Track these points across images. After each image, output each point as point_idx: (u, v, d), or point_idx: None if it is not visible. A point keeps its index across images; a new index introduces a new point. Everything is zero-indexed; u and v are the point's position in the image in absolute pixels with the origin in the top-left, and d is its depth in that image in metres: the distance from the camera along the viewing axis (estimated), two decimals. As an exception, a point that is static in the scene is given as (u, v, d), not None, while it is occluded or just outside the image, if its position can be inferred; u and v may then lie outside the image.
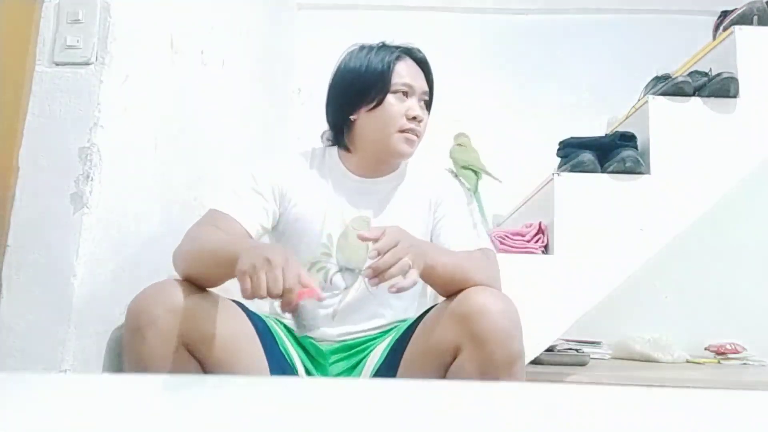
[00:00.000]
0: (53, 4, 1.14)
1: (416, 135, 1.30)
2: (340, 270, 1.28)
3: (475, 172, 1.40)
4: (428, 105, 1.36)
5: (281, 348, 1.22)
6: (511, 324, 1.03)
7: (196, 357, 1.08)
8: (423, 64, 1.35)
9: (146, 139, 1.28)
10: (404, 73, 1.30)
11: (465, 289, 1.08)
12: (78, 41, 1.12)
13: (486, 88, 2.68)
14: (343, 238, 1.28)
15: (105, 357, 1.16)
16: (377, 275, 1.00)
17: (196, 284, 1.10)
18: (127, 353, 1.07)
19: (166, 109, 1.37)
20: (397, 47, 1.33)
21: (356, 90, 1.30)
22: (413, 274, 1.01)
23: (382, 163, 1.34)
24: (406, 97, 1.29)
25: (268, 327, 1.23)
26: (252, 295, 0.94)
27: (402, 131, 1.28)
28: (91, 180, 1.09)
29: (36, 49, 1.13)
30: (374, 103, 1.28)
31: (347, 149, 1.34)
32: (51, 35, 1.13)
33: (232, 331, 1.13)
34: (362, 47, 1.33)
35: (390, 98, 1.28)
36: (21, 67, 1.13)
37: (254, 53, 2.06)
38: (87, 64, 1.12)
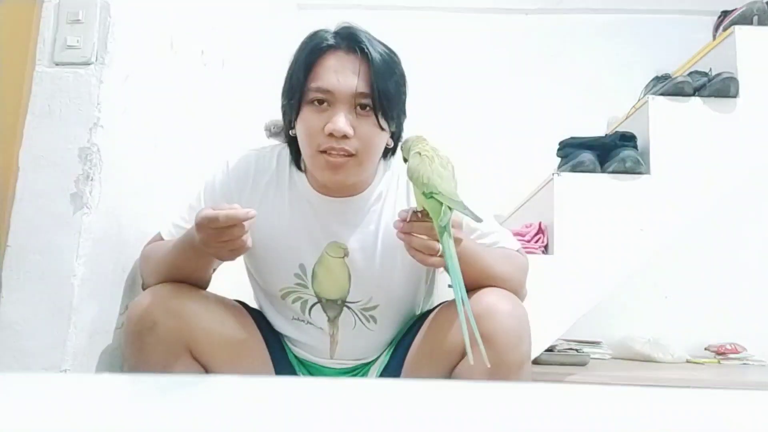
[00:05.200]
0: (53, 4, 1.14)
1: (345, 154, 1.03)
2: (320, 301, 1.15)
3: (441, 203, 0.93)
4: (383, 110, 1.04)
5: (287, 352, 1.21)
6: (520, 325, 1.02)
7: (200, 361, 1.06)
8: (364, 54, 1.04)
9: (146, 139, 1.28)
10: (322, 73, 1.04)
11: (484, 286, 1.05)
12: (78, 41, 1.12)
13: (486, 87, 2.68)
14: (319, 266, 1.13)
15: (106, 357, 1.16)
16: (405, 233, 0.95)
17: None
18: (126, 358, 1.06)
19: (166, 109, 1.36)
20: (328, 35, 1.08)
21: (284, 97, 1.10)
22: (435, 262, 0.96)
23: (330, 186, 1.11)
24: (329, 105, 1.04)
25: (274, 330, 1.21)
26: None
27: (322, 151, 1.04)
28: (91, 180, 1.09)
29: (36, 49, 1.13)
30: (296, 116, 1.06)
31: (303, 169, 1.15)
32: (51, 35, 1.13)
33: (237, 334, 1.11)
34: (306, 37, 1.11)
35: (305, 111, 1.04)
36: (21, 67, 1.12)
37: (254, 53, 2.06)
38: (87, 64, 1.12)
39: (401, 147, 1.03)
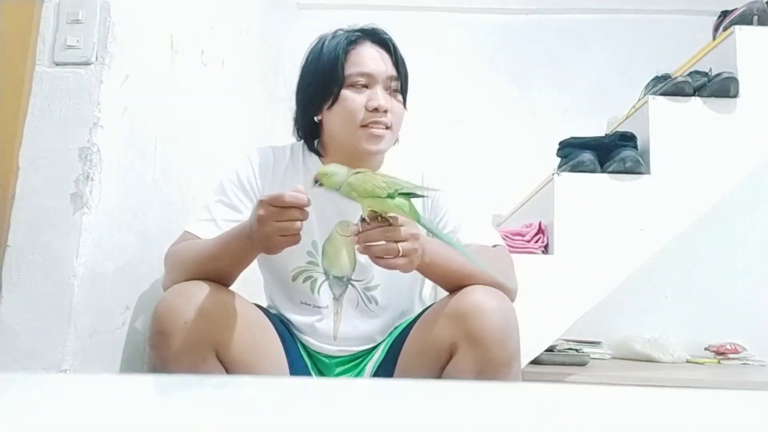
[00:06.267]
0: (53, 4, 1.14)
1: (384, 127, 1.18)
2: (328, 279, 1.22)
3: (407, 195, 0.98)
4: (403, 90, 1.23)
5: (300, 352, 1.22)
6: (507, 322, 1.02)
7: (223, 362, 1.06)
8: (387, 45, 1.22)
9: (146, 139, 1.28)
10: (360, 60, 1.18)
11: (466, 286, 1.06)
12: (78, 41, 1.12)
13: (486, 88, 2.68)
14: (328, 244, 1.21)
15: (106, 357, 1.16)
16: (363, 242, 0.96)
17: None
18: (152, 357, 1.04)
19: (166, 109, 1.37)
20: (354, 31, 1.21)
21: (314, 88, 1.20)
22: (402, 263, 0.97)
23: (358, 163, 1.17)
24: (367, 87, 1.18)
25: (288, 330, 1.22)
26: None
27: (364, 126, 1.17)
28: (91, 180, 1.09)
29: (36, 49, 1.13)
30: (331, 100, 1.18)
31: (320, 154, 1.25)
32: (51, 35, 1.13)
33: (259, 335, 1.13)
34: (320, 38, 1.23)
35: (346, 92, 1.17)
36: (21, 67, 1.13)
37: (254, 53, 2.06)
38: (87, 64, 1.12)
39: (322, 178, 1.00)
